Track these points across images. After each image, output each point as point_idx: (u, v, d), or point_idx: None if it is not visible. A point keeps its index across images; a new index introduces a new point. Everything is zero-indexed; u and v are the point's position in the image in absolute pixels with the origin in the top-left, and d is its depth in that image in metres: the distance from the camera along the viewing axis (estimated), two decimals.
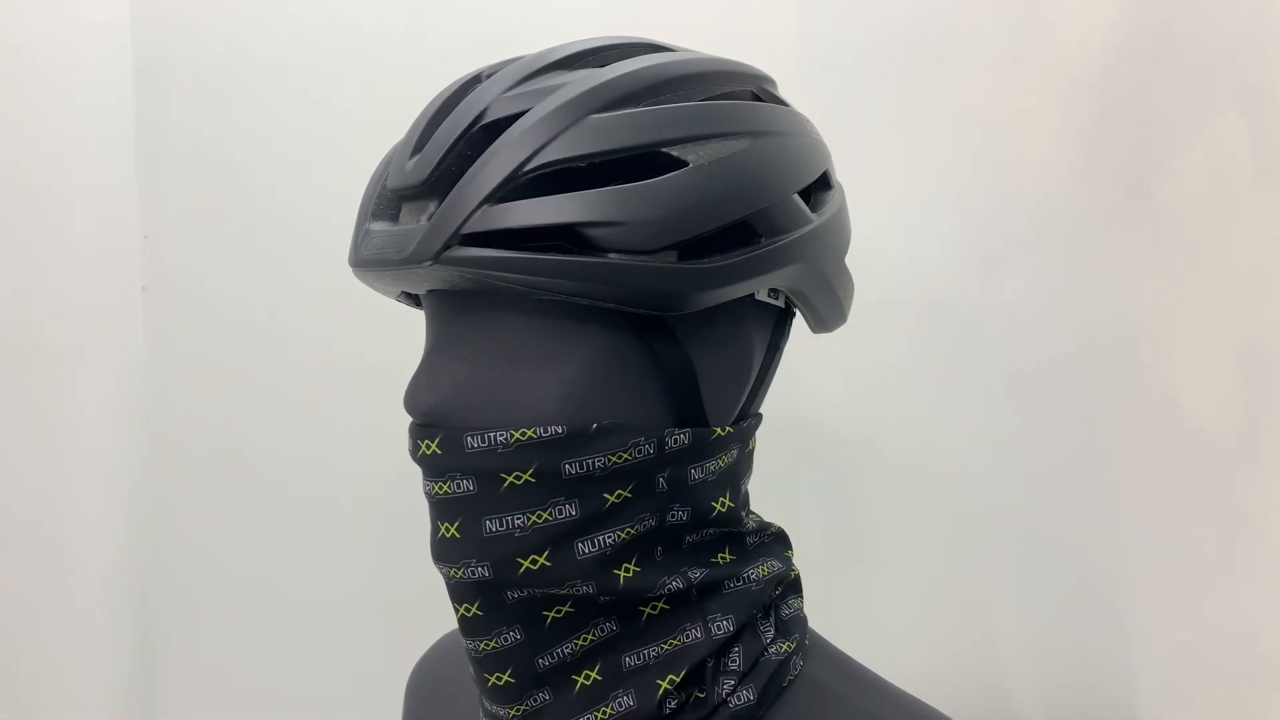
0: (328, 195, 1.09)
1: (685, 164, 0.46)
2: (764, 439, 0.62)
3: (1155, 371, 1.01)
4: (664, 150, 0.46)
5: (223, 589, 1.14)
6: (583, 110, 0.47)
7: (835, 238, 0.55)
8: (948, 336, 1.05)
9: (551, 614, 0.50)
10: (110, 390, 1.09)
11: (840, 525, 1.09)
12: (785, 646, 0.54)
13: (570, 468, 0.48)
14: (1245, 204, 0.97)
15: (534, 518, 0.48)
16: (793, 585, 0.59)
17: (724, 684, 0.51)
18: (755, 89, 0.54)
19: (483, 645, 0.50)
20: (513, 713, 0.51)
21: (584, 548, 0.49)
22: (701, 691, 0.52)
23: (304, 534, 1.14)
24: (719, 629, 0.51)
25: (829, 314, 0.57)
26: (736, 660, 0.52)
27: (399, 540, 1.13)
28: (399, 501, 1.14)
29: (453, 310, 0.52)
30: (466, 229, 0.46)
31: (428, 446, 0.50)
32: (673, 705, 0.51)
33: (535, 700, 0.51)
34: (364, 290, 0.59)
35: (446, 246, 0.46)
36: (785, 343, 0.58)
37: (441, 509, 0.51)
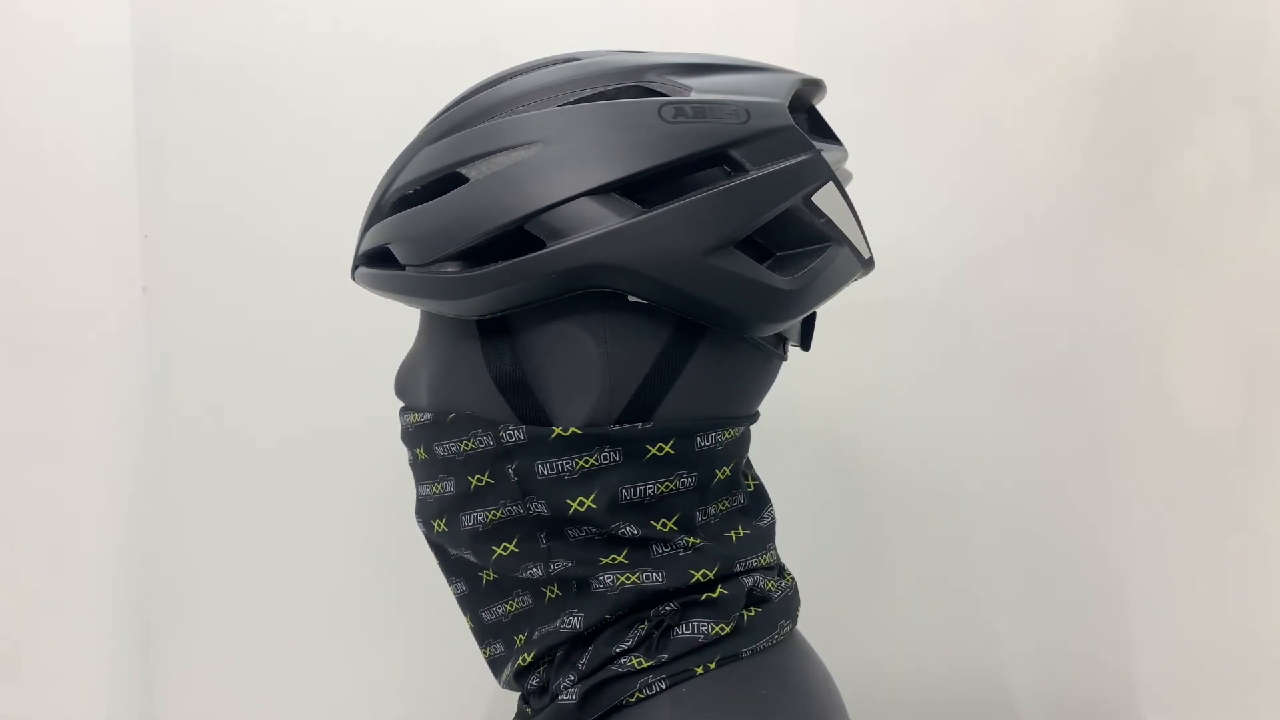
0: (328, 195, 1.09)
1: (467, 180, 0.51)
2: (761, 437, 0.62)
3: (1154, 371, 1.01)
4: (457, 170, 0.51)
5: (222, 589, 1.14)
6: (424, 141, 0.54)
7: (671, 232, 0.49)
8: (948, 336, 1.05)
9: (484, 576, 0.58)
10: (110, 390, 1.08)
11: (839, 524, 1.09)
12: (636, 662, 0.52)
13: (440, 450, 0.56)
14: (1245, 204, 0.97)
15: (433, 488, 0.58)
16: (707, 606, 0.54)
17: (566, 678, 0.54)
18: (640, 82, 0.52)
19: (451, 589, 0.60)
20: (485, 654, 0.60)
21: (465, 520, 0.56)
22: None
23: (304, 534, 1.14)
24: (567, 624, 0.54)
25: (701, 315, 0.51)
26: (583, 659, 0.54)
27: (399, 540, 1.13)
28: (399, 501, 1.14)
29: None
30: (360, 249, 0.57)
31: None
32: (534, 683, 0.56)
33: (493, 649, 0.59)
34: (363, 291, 0.60)
35: (355, 265, 0.58)
36: (712, 347, 0.54)
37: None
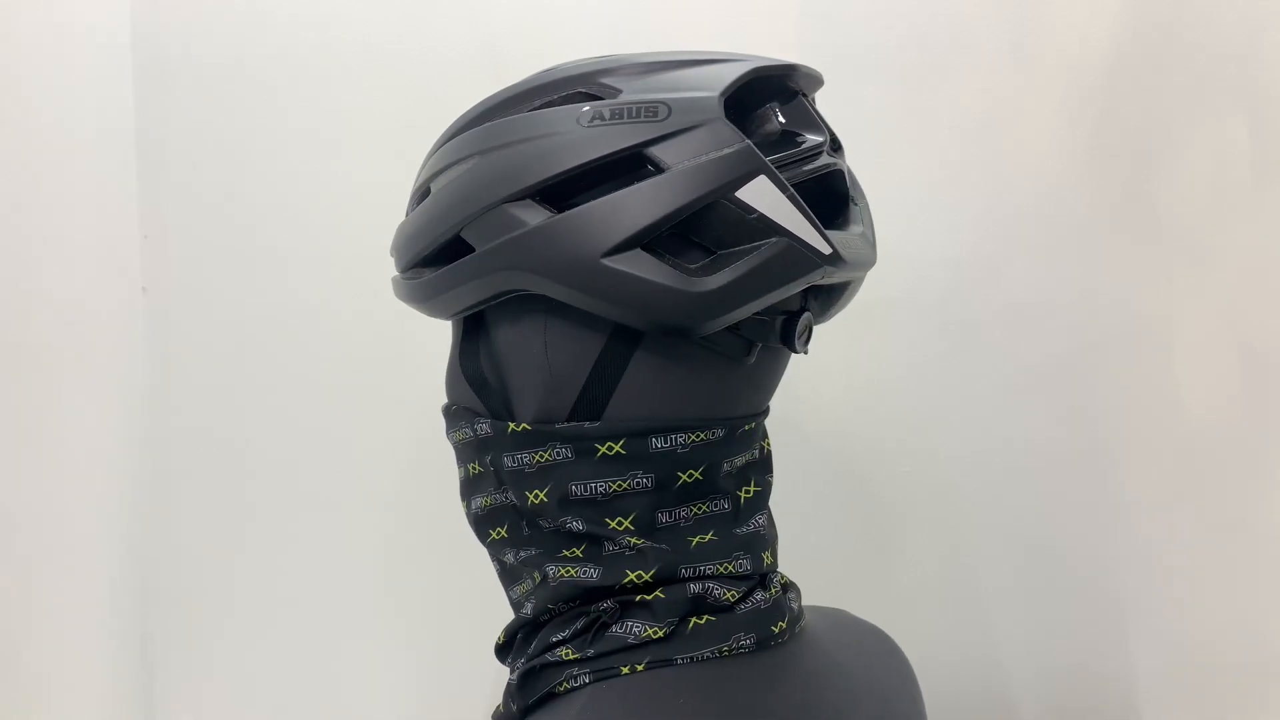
0: (327, 195, 1.09)
1: (430, 194, 0.56)
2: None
3: (1155, 371, 1.01)
4: (428, 185, 0.57)
5: (223, 589, 1.14)
6: (429, 155, 0.59)
7: (570, 236, 0.49)
8: (948, 336, 1.05)
9: (508, 559, 0.60)
10: (110, 391, 1.09)
11: (839, 524, 1.09)
12: (565, 653, 0.54)
13: (450, 438, 0.61)
14: (1245, 204, 0.97)
15: (459, 472, 0.62)
16: (643, 608, 0.54)
17: (518, 661, 0.57)
18: (584, 88, 0.54)
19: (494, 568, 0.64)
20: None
21: (473, 504, 0.60)
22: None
23: (304, 534, 1.14)
24: (523, 611, 0.57)
25: (614, 317, 0.51)
26: (533, 645, 0.57)
27: (400, 541, 1.13)
28: (400, 502, 1.14)
29: None
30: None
31: None
32: (509, 663, 0.60)
33: None
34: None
35: None
36: (651, 349, 0.53)
37: None
